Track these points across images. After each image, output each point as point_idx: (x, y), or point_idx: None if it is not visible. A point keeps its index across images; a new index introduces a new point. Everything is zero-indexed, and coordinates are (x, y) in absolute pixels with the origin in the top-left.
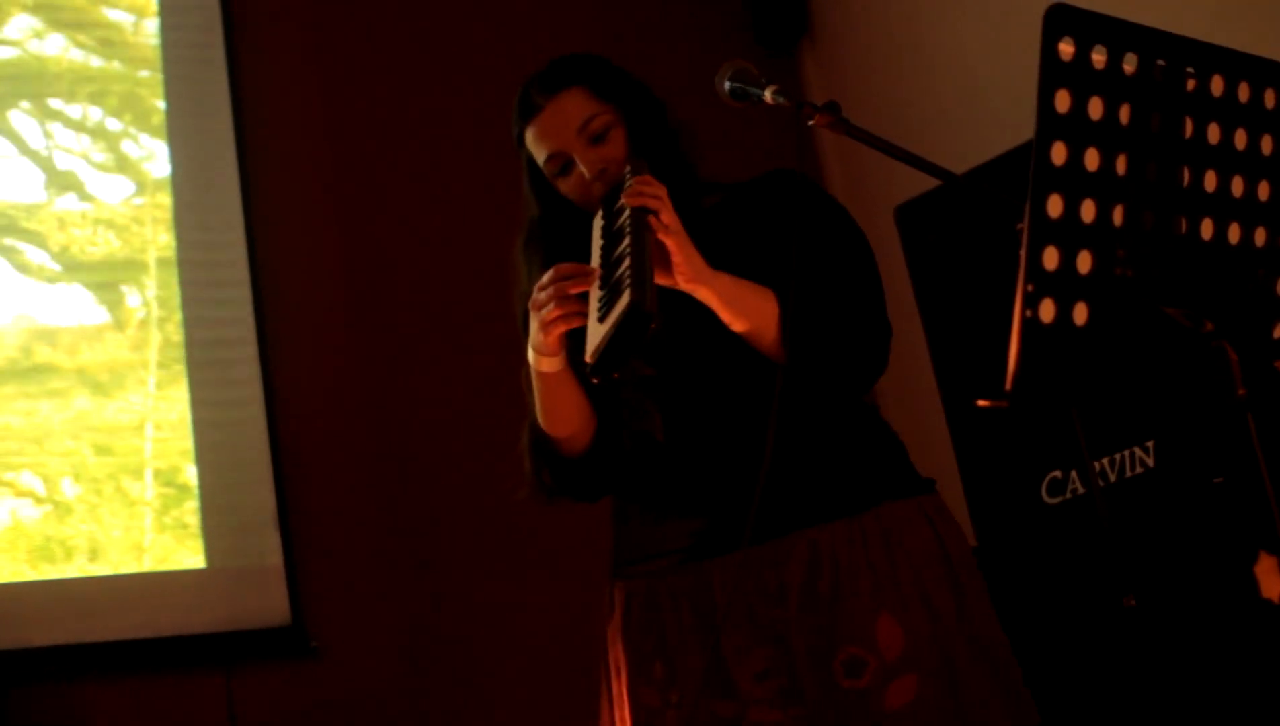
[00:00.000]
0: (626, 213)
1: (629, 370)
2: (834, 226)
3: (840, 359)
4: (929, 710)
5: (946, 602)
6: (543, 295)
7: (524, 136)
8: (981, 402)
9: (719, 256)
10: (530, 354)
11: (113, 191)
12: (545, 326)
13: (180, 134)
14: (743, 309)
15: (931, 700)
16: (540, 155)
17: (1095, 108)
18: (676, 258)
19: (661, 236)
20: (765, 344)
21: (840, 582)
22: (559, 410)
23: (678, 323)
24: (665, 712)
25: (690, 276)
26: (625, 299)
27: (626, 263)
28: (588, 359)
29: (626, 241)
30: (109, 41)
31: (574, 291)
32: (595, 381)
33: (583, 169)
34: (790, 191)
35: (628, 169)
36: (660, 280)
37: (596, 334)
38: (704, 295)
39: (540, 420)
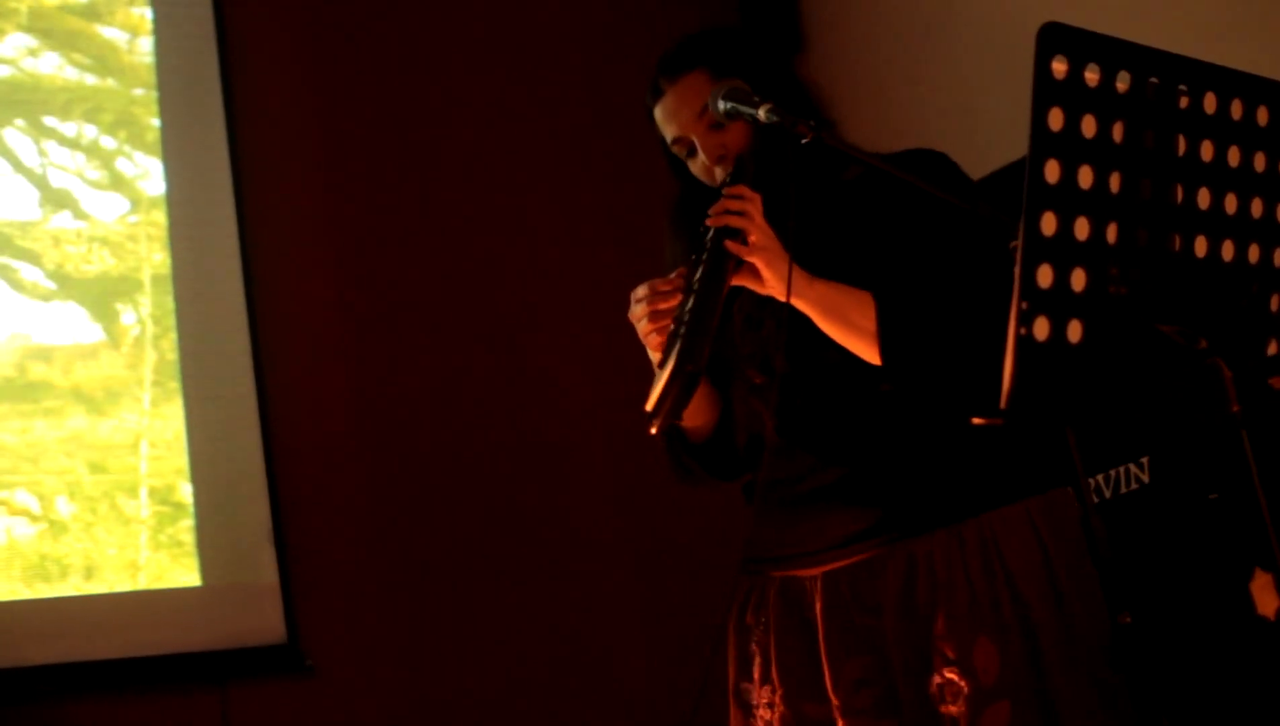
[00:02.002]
0: (710, 233)
1: (748, 376)
2: (950, 224)
3: (940, 371)
4: None
5: (1047, 619)
6: (637, 309)
7: (652, 115)
8: (976, 420)
9: (852, 234)
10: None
11: (107, 209)
12: (643, 339)
13: (175, 151)
14: (840, 319)
15: None
16: (666, 137)
17: (1089, 125)
18: (764, 274)
19: (746, 256)
20: (864, 353)
21: (937, 599)
22: None
23: (790, 328)
24: (757, 710)
25: (782, 291)
26: (672, 359)
27: (691, 301)
28: (646, 408)
29: (701, 270)
30: (104, 59)
31: (662, 307)
32: (652, 432)
33: (702, 156)
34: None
35: (723, 171)
36: (757, 289)
37: (657, 380)
38: (801, 306)
39: None
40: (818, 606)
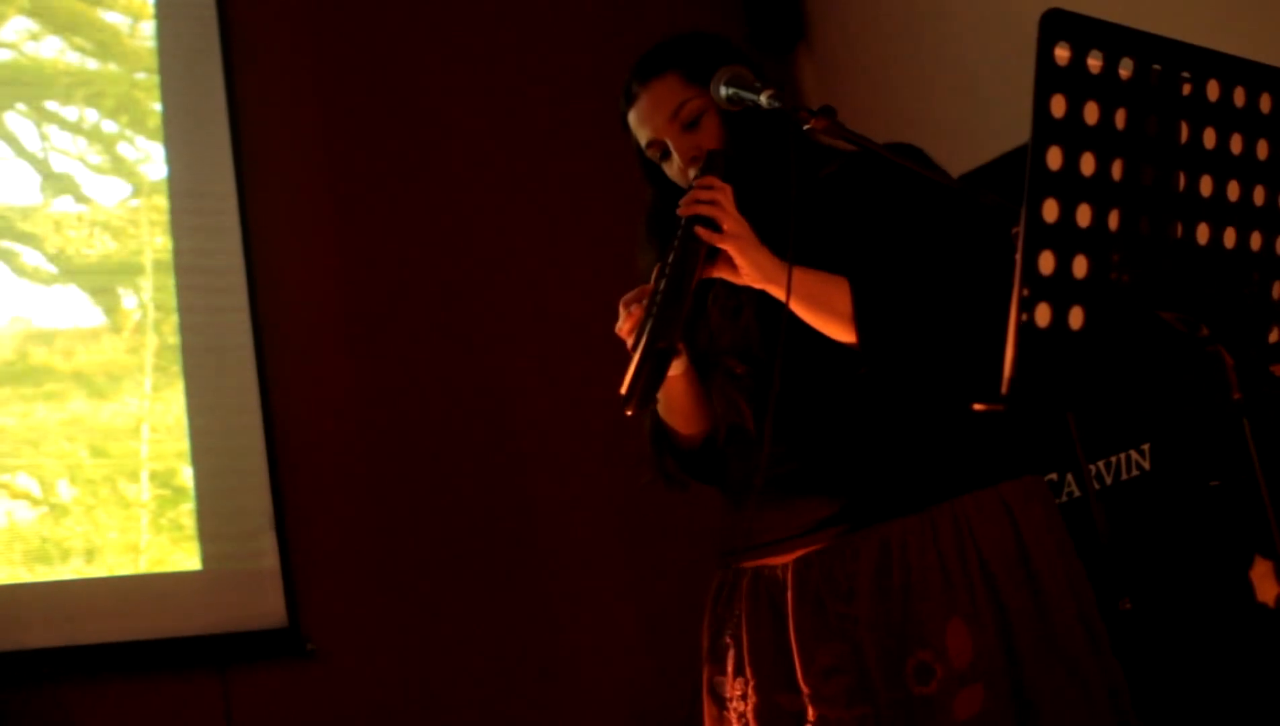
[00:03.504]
0: (683, 223)
1: (724, 369)
2: (936, 214)
3: (916, 354)
4: (996, 722)
5: (1020, 603)
6: (621, 313)
7: (627, 121)
8: (977, 407)
9: (828, 229)
10: None
11: (109, 194)
12: (624, 338)
13: (177, 136)
14: (815, 304)
15: (998, 711)
16: (640, 141)
17: (1091, 112)
18: (738, 261)
19: (719, 243)
20: (841, 338)
21: (911, 582)
22: (676, 408)
23: (767, 318)
24: (731, 702)
25: (756, 278)
26: (644, 339)
27: (662, 284)
28: (621, 392)
29: (672, 256)
30: (105, 44)
31: (639, 313)
32: (629, 413)
33: (675, 157)
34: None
35: (696, 170)
36: (732, 279)
37: (630, 363)
38: (776, 292)
39: (660, 411)
40: (789, 594)
